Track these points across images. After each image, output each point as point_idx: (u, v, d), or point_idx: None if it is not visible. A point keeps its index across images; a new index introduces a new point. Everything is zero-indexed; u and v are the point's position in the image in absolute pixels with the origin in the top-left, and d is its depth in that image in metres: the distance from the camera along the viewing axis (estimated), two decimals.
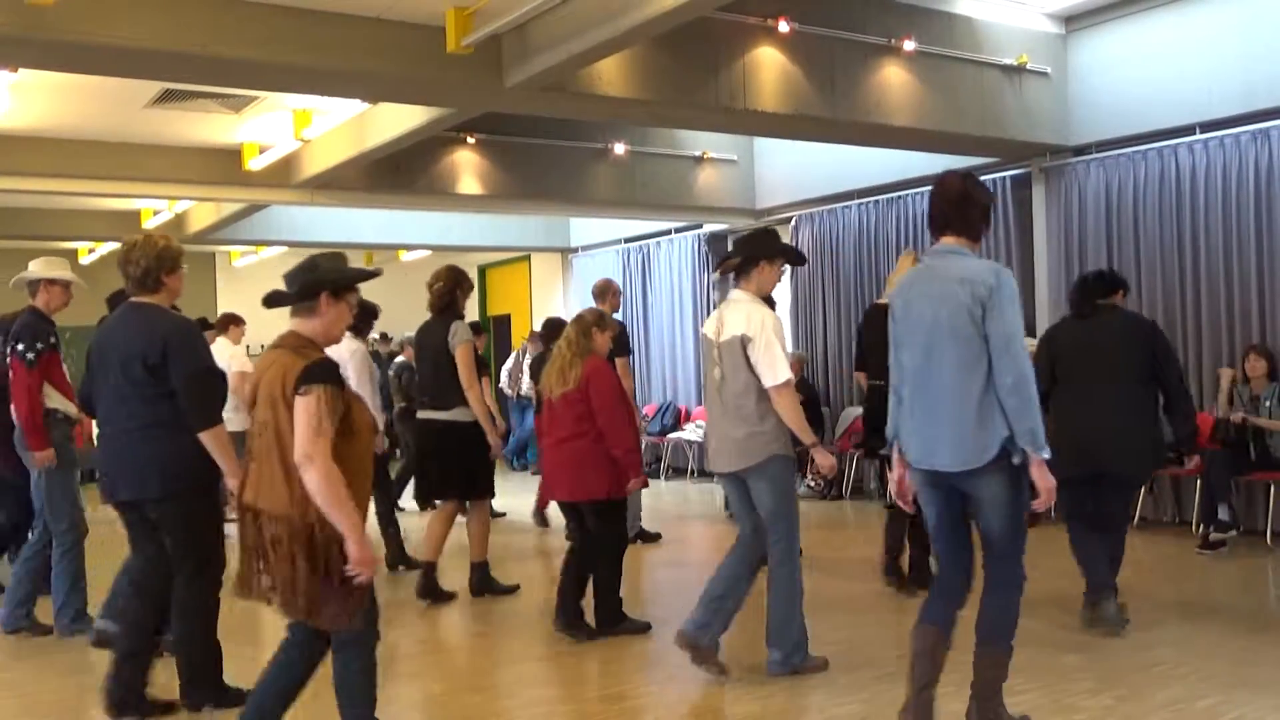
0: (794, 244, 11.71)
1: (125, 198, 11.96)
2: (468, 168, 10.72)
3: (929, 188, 10.95)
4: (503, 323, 17.39)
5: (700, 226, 13.10)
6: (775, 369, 4.72)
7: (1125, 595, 6.36)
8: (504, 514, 9.87)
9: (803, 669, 4.92)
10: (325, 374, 3.45)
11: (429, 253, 15.37)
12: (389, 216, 13.34)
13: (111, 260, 17.55)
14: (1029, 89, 8.75)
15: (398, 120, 8.71)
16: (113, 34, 6.02)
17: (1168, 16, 8.37)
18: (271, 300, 3.70)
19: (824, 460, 5.05)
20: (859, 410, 10.38)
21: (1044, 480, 3.74)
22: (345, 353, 7.06)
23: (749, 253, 4.98)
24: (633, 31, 6.16)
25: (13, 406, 5.90)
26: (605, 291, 8.57)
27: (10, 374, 5.93)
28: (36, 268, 6.00)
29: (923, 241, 10.34)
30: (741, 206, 12.10)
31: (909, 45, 8.00)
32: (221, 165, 10.35)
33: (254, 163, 10.07)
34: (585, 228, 14.99)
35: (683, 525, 9.72)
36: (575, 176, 11.18)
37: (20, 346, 5.85)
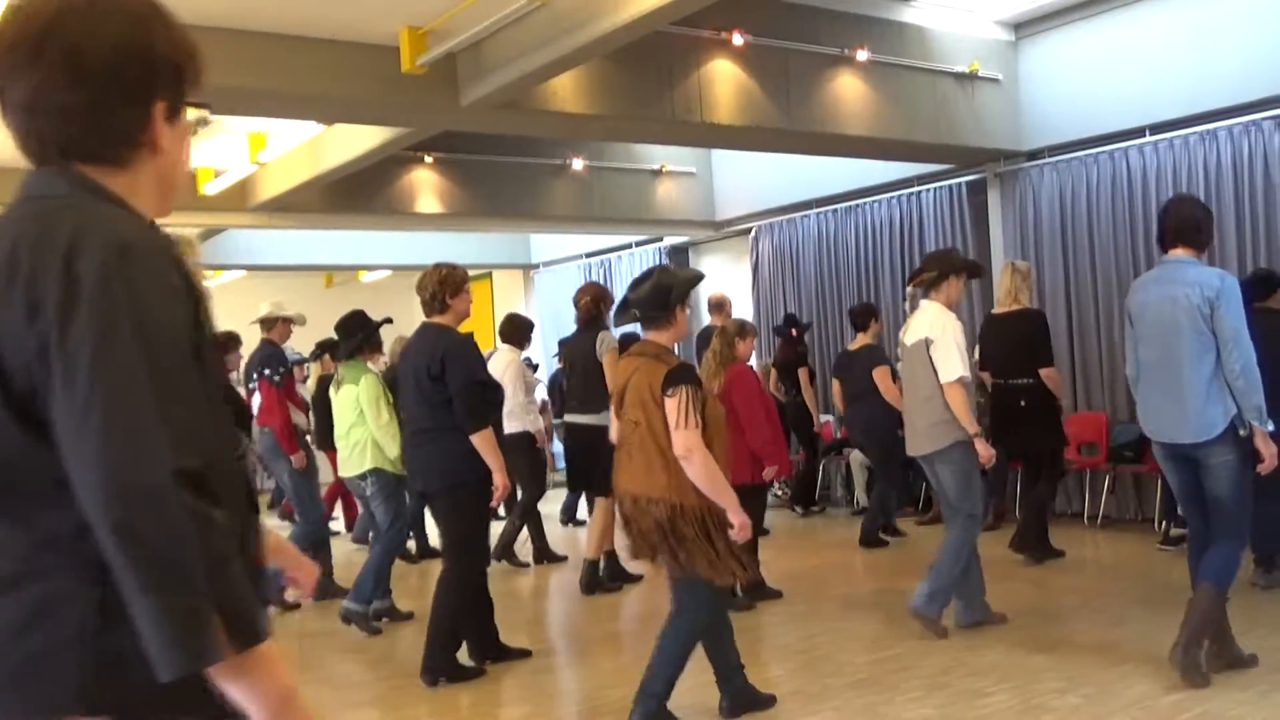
0: (753, 255, 11.83)
1: None
2: (426, 187, 10.69)
3: (886, 195, 11.05)
4: None
5: (661, 239, 13.12)
6: (949, 367, 5.44)
7: (1089, 594, 6.45)
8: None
9: (930, 627, 5.52)
10: (686, 376, 4.07)
11: (389, 273, 15.31)
12: (349, 237, 13.26)
13: None
14: (981, 96, 8.86)
15: (354, 141, 8.67)
16: None
17: (1115, 21, 8.49)
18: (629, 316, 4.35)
19: (984, 451, 5.57)
20: (827, 418, 10.48)
21: (1268, 447, 4.42)
22: (502, 363, 7.94)
23: (941, 269, 5.68)
24: (587, 47, 6.18)
25: (267, 420, 7.18)
26: (723, 304, 9.61)
27: (261, 395, 7.19)
28: (271, 309, 7.44)
29: (880, 248, 10.42)
30: (701, 219, 12.15)
31: (862, 55, 8.06)
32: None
33: (209, 186, 9.99)
34: (546, 243, 14.99)
35: None
36: (535, 193, 11.18)
37: (267, 371, 7.22)
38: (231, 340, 7.98)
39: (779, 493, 10.59)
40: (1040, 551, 7.36)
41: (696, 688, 5.07)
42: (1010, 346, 7.30)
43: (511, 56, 6.47)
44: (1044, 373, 7.23)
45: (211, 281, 15.89)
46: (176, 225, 11.57)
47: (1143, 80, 8.31)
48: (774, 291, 11.65)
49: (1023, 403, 7.23)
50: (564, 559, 8.37)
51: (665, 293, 4.18)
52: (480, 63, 6.71)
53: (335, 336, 6.95)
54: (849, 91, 8.16)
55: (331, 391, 6.75)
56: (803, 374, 9.88)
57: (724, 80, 7.65)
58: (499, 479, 5.17)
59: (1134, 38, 8.36)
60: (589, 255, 14.21)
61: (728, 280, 12.68)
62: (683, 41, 7.44)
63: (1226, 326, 4.39)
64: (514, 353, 8.21)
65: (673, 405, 3.99)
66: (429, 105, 7.09)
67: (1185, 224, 4.62)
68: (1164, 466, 4.80)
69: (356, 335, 6.59)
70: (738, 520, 4.07)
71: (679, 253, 13.12)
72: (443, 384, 5.12)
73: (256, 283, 15.42)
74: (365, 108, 7.26)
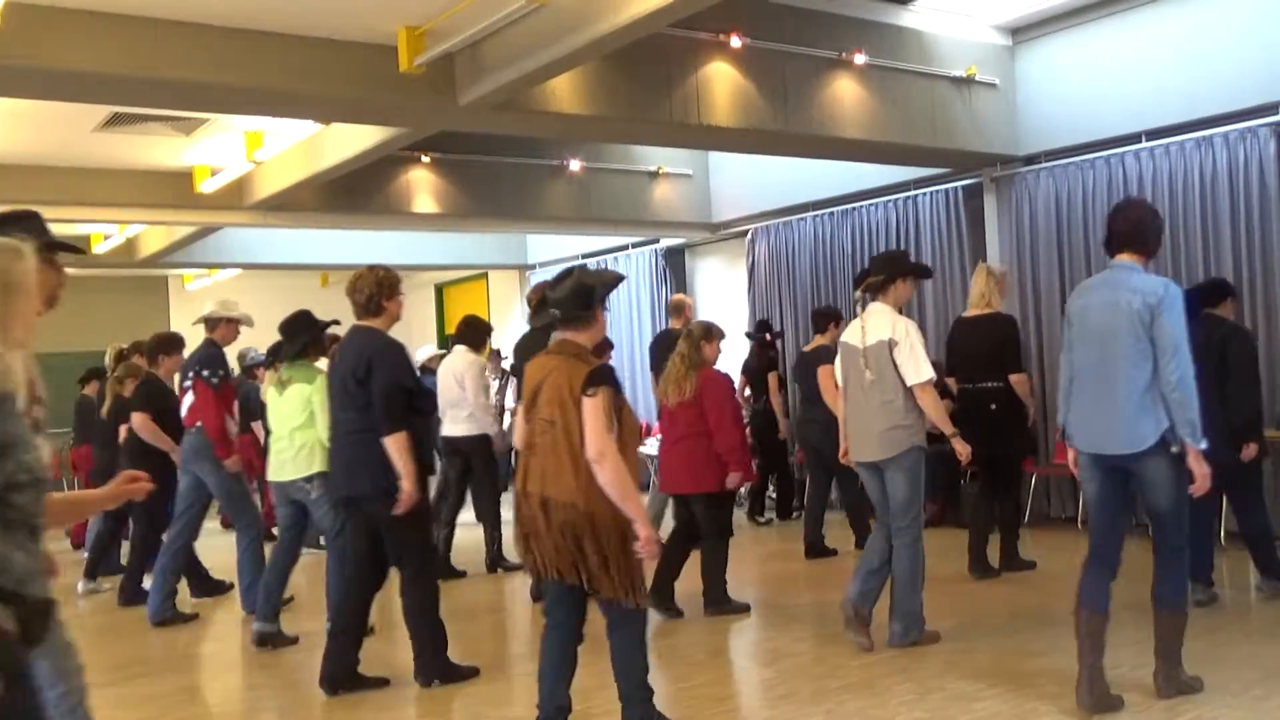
0: (750, 257, 11.84)
1: (75, 223, 11.80)
2: (423, 187, 10.68)
3: (883, 199, 10.97)
4: None
5: (657, 241, 13.13)
6: (918, 369, 5.37)
7: None
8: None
9: (920, 642, 5.49)
10: (607, 377, 3.93)
11: None
12: (344, 236, 13.25)
13: (71, 287, 17.58)
14: (978, 100, 8.87)
15: (351, 140, 8.67)
16: (60, 58, 5.95)
17: (1112, 27, 8.50)
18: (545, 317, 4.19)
19: (962, 449, 5.69)
20: None
21: (1200, 468, 4.25)
22: (462, 365, 7.94)
23: (889, 272, 5.63)
24: (585, 49, 6.18)
25: (200, 423, 6.93)
26: (681, 307, 9.34)
27: (195, 396, 6.96)
28: (216, 308, 7.15)
29: (876, 251, 10.41)
30: (698, 220, 12.15)
31: (860, 59, 8.07)
32: (172, 188, 10.24)
33: (205, 185, 9.98)
34: (542, 244, 14.99)
35: None
36: (531, 193, 11.18)
37: (205, 373, 6.94)
38: (174, 341, 7.64)
39: (772, 495, 10.57)
40: (1011, 564, 7.36)
41: (693, 688, 5.08)
42: (981, 350, 7.25)
43: (509, 57, 6.47)
44: (1013, 378, 7.20)
45: (207, 280, 15.90)
46: (172, 223, 11.61)
47: (1139, 86, 8.33)
48: (770, 294, 11.65)
49: (993, 406, 7.18)
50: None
51: (588, 292, 4.07)
52: (478, 63, 6.71)
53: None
54: (846, 95, 8.17)
55: (274, 393, 6.45)
56: (772, 379, 9.86)
57: (721, 82, 7.66)
58: (406, 485, 5.00)
59: (1131, 43, 8.38)
60: (585, 256, 14.21)
61: (723, 283, 12.71)
62: (681, 44, 7.44)
63: (1166, 335, 4.24)
64: (470, 355, 8.10)
65: (592, 406, 3.83)
66: (426, 105, 7.08)
67: (1133, 229, 4.49)
68: (1084, 476, 4.56)
69: (301, 336, 6.39)
70: (644, 533, 3.84)
71: (675, 254, 13.14)
72: (368, 387, 5.03)
73: (252, 282, 15.43)
74: (362, 107, 7.25)
